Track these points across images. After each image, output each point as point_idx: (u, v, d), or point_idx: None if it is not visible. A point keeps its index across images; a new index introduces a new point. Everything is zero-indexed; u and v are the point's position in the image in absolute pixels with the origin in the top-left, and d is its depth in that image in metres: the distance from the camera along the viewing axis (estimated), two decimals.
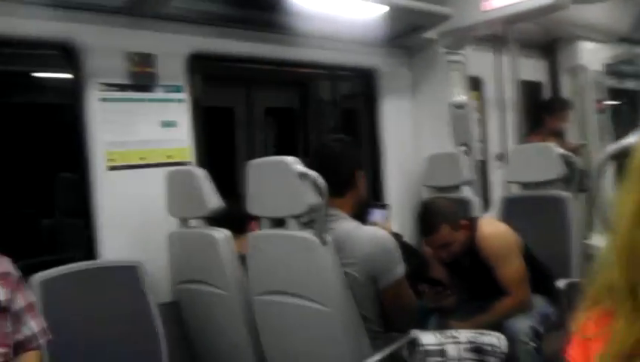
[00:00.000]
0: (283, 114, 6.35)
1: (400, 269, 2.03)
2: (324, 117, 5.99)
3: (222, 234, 2.44)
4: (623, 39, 5.26)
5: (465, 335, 2.21)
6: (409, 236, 3.44)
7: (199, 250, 2.52)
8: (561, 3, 3.36)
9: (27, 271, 2.12)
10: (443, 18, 3.56)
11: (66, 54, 2.63)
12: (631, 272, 1.01)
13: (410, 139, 3.96)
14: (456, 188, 3.51)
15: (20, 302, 1.91)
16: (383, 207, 3.09)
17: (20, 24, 2.42)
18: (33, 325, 1.93)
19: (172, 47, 2.86)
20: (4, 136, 4.86)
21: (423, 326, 2.61)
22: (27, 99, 5.00)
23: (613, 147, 1.37)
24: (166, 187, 2.63)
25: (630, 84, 6.24)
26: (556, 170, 3.02)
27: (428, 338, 2.15)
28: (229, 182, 5.51)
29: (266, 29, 3.18)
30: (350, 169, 2.16)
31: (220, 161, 4.93)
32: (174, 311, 2.73)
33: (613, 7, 4.56)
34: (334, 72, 4.78)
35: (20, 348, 1.89)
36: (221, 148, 5.63)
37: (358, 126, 4.49)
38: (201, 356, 2.73)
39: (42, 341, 1.97)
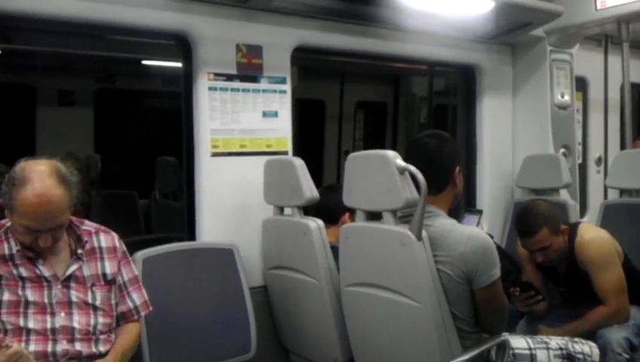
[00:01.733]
0: (374, 108, 6.38)
1: (496, 271, 2.01)
2: (416, 112, 5.95)
3: (315, 223, 2.49)
4: None
5: (556, 341, 2.16)
6: (499, 238, 3.37)
7: (292, 238, 2.59)
8: None
9: (131, 248, 2.26)
10: (553, 15, 3.45)
11: (179, 44, 2.76)
12: None
13: (508, 139, 3.86)
14: (551, 191, 3.40)
15: (125, 275, 2.05)
16: (476, 212, 3.06)
17: (138, 13, 2.56)
18: (136, 297, 2.07)
19: (278, 40, 2.94)
20: (113, 120, 5.20)
21: (512, 329, 2.57)
22: (139, 86, 5.31)
23: None
24: (264, 175, 2.71)
25: None
26: None
27: (518, 343, 2.12)
28: (318, 172, 5.62)
29: (366, 22, 3.20)
30: (448, 165, 2.15)
31: (310, 152, 5.02)
32: (264, 294, 2.82)
33: None
34: (432, 68, 4.74)
35: (122, 319, 2.04)
36: (311, 139, 5.74)
37: (452, 123, 4.44)
38: (287, 340, 2.81)
39: (143, 313, 2.10)
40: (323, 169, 5.95)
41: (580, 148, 4.15)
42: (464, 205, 3.65)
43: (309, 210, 2.62)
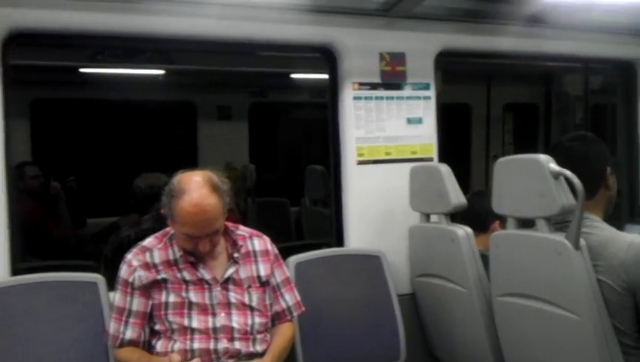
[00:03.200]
0: (523, 110, 6.11)
1: None
2: (570, 113, 5.62)
3: (463, 231, 2.45)
4: None
5: None
6: None
7: (439, 245, 2.56)
8: None
9: (283, 253, 2.36)
10: None
11: (325, 56, 2.86)
12: None
13: None
14: None
15: (277, 276, 2.16)
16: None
17: (285, 30, 2.69)
18: (289, 298, 2.17)
19: (421, 46, 2.94)
20: (266, 131, 5.50)
21: None
22: (286, 98, 5.57)
23: None
24: (409, 181, 2.71)
25: None
26: None
27: None
28: (464, 178, 5.50)
29: (510, 21, 3.08)
30: (598, 167, 2.02)
31: (457, 158, 4.93)
32: (411, 302, 2.82)
33: None
34: (585, 65, 4.45)
35: (276, 319, 2.14)
36: (458, 145, 5.63)
37: (611, 123, 4.13)
38: (436, 348, 2.78)
39: (296, 313, 2.19)
40: (470, 175, 5.82)
41: None
42: (627, 214, 3.38)
43: (456, 216, 2.58)
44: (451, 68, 4.33)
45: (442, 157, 3.00)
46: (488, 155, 5.86)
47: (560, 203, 1.92)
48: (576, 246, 1.88)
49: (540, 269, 2.03)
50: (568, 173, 1.90)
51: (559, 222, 2.00)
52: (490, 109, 5.94)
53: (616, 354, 1.89)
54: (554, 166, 1.94)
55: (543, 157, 1.99)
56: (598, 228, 1.96)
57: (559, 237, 1.93)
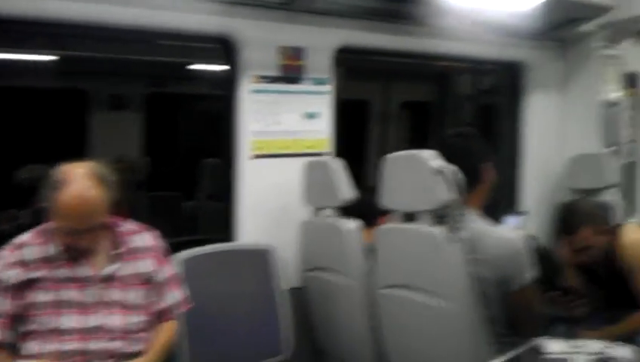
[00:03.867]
0: (419, 108, 6.32)
1: (529, 275, 1.98)
2: (461, 111, 5.87)
3: (351, 225, 2.50)
4: None
5: (594, 345, 2.09)
6: (546, 240, 3.30)
7: (329, 239, 2.60)
8: None
9: (174, 249, 2.31)
10: (604, 10, 3.36)
11: (224, 47, 2.81)
12: None
13: (556, 138, 3.77)
14: (600, 191, 3.30)
15: (163, 273, 2.08)
16: (519, 214, 3.00)
17: (183, 18, 2.62)
18: (173, 296, 2.09)
19: (321, 41, 2.95)
20: (161, 123, 5.34)
21: (550, 333, 2.52)
22: (182, 90, 5.43)
23: None
24: (303, 176, 2.74)
25: None
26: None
27: (553, 347, 2.07)
28: (360, 173, 5.62)
29: (409, 21, 3.18)
30: (476, 163, 2.13)
31: (354, 153, 5.04)
32: (302, 296, 2.85)
33: None
34: (476, 66, 4.66)
35: (159, 317, 2.05)
36: (355, 141, 5.74)
37: (498, 122, 4.36)
38: (323, 341, 2.83)
39: (181, 310, 2.12)
40: (367, 171, 5.95)
41: (630, 146, 4.01)
42: (505, 206, 3.59)
43: (350, 211, 2.62)
44: (353, 64, 4.40)
45: (339, 153, 3.04)
46: (385, 151, 5.99)
47: (439, 197, 2.01)
48: (454, 239, 1.98)
49: (421, 261, 2.12)
50: (448, 167, 1.99)
51: (442, 217, 2.09)
52: (387, 106, 6.10)
53: (486, 342, 2.00)
54: (434, 162, 2.02)
55: (424, 153, 2.07)
56: (475, 222, 2.07)
57: (438, 230, 2.02)
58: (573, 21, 3.47)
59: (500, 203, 3.61)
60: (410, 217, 2.21)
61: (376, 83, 5.96)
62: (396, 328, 2.30)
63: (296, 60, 2.92)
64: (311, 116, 2.98)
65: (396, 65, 4.95)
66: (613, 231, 2.54)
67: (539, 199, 3.65)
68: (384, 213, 2.66)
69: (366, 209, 2.67)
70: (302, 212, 2.78)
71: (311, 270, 2.77)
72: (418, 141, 5.99)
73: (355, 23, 3.04)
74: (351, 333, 2.56)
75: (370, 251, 2.43)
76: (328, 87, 3.02)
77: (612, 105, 3.59)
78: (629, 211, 3.56)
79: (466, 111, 5.79)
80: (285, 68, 2.89)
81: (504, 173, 3.70)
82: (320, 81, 2.99)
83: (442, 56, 3.68)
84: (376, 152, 5.91)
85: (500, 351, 1.96)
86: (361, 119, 6.00)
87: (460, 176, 2.01)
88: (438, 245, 2.02)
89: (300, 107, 2.94)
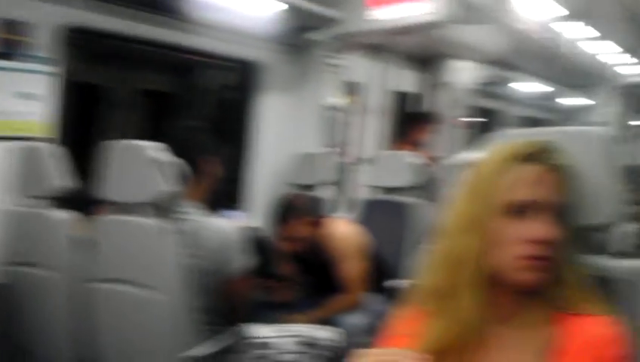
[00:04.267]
0: (159, 98, 6.19)
1: (239, 265, 2.07)
2: (202, 105, 5.90)
3: (62, 215, 2.35)
4: (495, 62, 5.65)
5: (299, 328, 2.28)
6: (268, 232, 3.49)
7: (36, 231, 2.40)
8: (439, 22, 3.57)
9: None
10: (330, 22, 3.66)
11: None
12: (449, 278, 1.11)
13: (288, 137, 4.01)
14: (319, 187, 3.61)
15: None
16: (239, 207, 3.13)
17: None
18: None
19: (47, 17, 2.69)
20: None
21: (263, 319, 2.68)
22: None
23: (458, 159, 1.47)
24: (8, 162, 2.47)
25: (496, 105, 6.73)
26: (412, 178, 3.21)
27: (259, 331, 2.19)
28: (88, 162, 5.28)
29: (150, 9, 3.10)
30: (199, 156, 2.16)
31: (83, 140, 4.73)
32: (5, 293, 2.57)
33: (488, 31, 4.89)
34: (218, 62, 4.74)
35: None
36: (85, 127, 5.39)
37: (235, 118, 4.48)
38: (27, 341, 2.59)
39: None
40: (96, 159, 5.62)
41: (350, 148, 4.46)
42: (232, 200, 3.72)
43: (68, 201, 2.45)
44: (89, 47, 4.12)
45: (65, 139, 2.82)
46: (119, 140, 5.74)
47: (157, 188, 1.98)
48: (169, 231, 1.98)
49: (137, 254, 2.07)
50: (167, 159, 1.98)
51: (161, 208, 2.06)
52: (125, 94, 5.84)
53: (199, 331, 2.03)
54: (153, 152, 1.99)
55: (146, 143, 2.03)
56: (195, 215, 2.09)
57: (154, 222, 1.99)
58: (307, 29, 3.73)
59: (228, 197, 3.73)
60: (129, 208, 2.15)
61: (114, 68, 5.66)
62: (110, 323, 2.19)
63: (17, 35, 2.63)
64: (27, 97, 2.71)
65: (136, 52, 4.76)
66: (323, 223, 2.80)
67: (268, 194, 3.85)
68: (103, 203, 2.55)
69: (86, 199, 2.52)
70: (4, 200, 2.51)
71: (15, 264, 2.52)
72: (154, 131, 5.87)
73: (91, 3, 2.85)
74: (60, 330, 2.39)
75: (87, 243, 2.30)
76: (52, 68, 2.77)
77: (332, 109, 3.95)
78: (341, 205, 3.97)
79: (206, 105, 5.83)
80: (2, 42, 2.58)
81: (235, 168, 3.83)
82: (42, 60, 2.73)
83: (185, 49, 3.66)
84: (108, 141, 5.63)
85: (211, 339, 2.03)
86: (94, 105, 5.64)
87: (182, 168, 2.01)
88: (153, 237, 1.99)
89: (12, 86, 2.65)
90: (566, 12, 5.10)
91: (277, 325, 2.18)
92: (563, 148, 1.06)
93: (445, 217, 1.14)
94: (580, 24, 5.52)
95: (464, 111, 5.29)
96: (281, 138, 3.98)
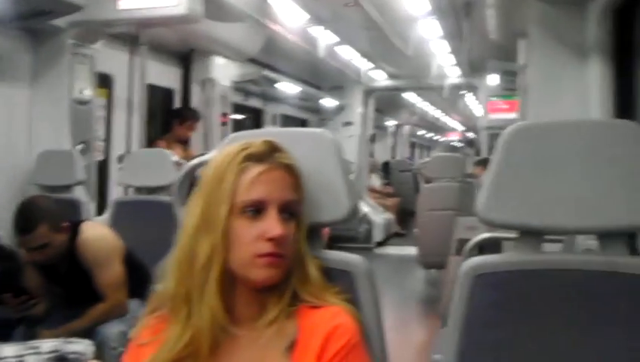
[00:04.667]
0: None
1: None
2: None
3: None
4: (252, 60, 5.80)
5: (49, 344, 2.11)
6: (8, 239, 3.12)
7: None
8: (193, 15, 3.51)
9: None
10: (73, 8, 3.35)
11: None
12: (187, 281, 1.07)
13: (24, 132, 3.60)
14: (68, 188, 3.32)
15: None
16: None
17: None
18: None
19: None
20: None
21: (8, 338, 2.40)
22: None
23: (196, 160, 1.44)
24: None
25: (255, 102, 6.92)
26: (169, 177, 3.12)
27: (5, 351, 1.99)
28: None
29: None
30: None
31: None
32: None
33: (246, 28, 4.98)
34: None
35: None
36: None
37: None
38: None
39: None
40: None
41: (102, 144, 4.20)
42: None
43: None
44: None
45: None
46: None
47: None
48: None
49: None
50: None
51: None
52: None
53: None
54: None
55: None
56: None
57: None
58: (43, 14, 3.38)
59: None
60: None
61: None
62: None
63: None
64: None
65: None
66: (73, 228, 2.57)
67: (6, 197, 3.42)
68: None
69: None
70: None
71: None
72: None
73: None
74: None
75: None
76: None
77: (82, 103, 3.66)
78: (101, 208, 3.71)
79: None
80: None
81: None
82: None
83: None
84: None
85: None
86: None
87: None
88: None
89: None
90: (307, 16, 5.41)
91: (27, 342, 1.96)
92: (293, 148, 1.10)
93: (184, 218, 1.12)
94: (320, 28, 5.89)
95: (226, 108, 5.34)
96: (19, 134, 3.57)
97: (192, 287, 1.05)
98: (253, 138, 1.11)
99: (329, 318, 1.05)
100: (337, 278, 1.13)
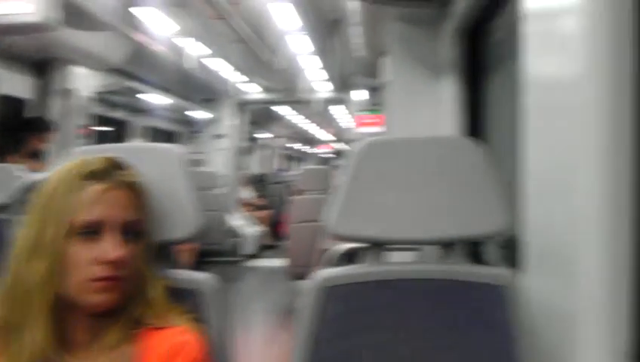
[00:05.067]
0: None
1: None
2: None
3: None
4: (118, 70, 5.55)
5: None
6: None
7: None
8: (50, 24, 3.29)
9: None
10: None
11: None
12: (22, 306, 0.98)
13: None
14: None
15: None
16: None
17: None
18: None
19: None
20: None
21: None
22: None
23: (28, 180, 1.34)
24: None
25: (118, 114, 6.64)
26: (18, 194, 2.88)
27: None
28: None
29: None
30: None
31: None
32: None
33: (109, 38, 4.76)
34: None
35: None
36: None
37: None
38: None
39: None
40: None
41: None
42: None
43: None
44: None
45: None
46: None
47: None
48: None
49: None
50: None
51: None
52: None
53: None
54: None
55: None
56: None
57: None
58: None
59: None
60: None
61: None
62: None
63: None
64: None
65: None
66: None
67: None
68: None
69: None
70: None
71: None
72: None
73: None
74: None
75: None
76: None
77: None
78: None
79: None
80: None
81: None
82: None
83: None
84: None
85: None
86: None
87: None
88: None
89: None
90: (177, 27, 5.33)
91: None
92: (134, 164, 1.06)
93: (15, 241, 1.04)
94: (191, 40, 5.82)
95: (86, 120, 5.06)
96: None
97: (22, 315, 0.98)
98: (98, 153, 1.06)
99: (170, 338, 1.02)
100: (186, 297, 1.10)
